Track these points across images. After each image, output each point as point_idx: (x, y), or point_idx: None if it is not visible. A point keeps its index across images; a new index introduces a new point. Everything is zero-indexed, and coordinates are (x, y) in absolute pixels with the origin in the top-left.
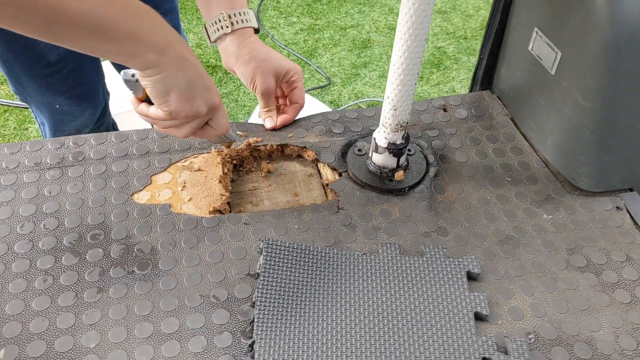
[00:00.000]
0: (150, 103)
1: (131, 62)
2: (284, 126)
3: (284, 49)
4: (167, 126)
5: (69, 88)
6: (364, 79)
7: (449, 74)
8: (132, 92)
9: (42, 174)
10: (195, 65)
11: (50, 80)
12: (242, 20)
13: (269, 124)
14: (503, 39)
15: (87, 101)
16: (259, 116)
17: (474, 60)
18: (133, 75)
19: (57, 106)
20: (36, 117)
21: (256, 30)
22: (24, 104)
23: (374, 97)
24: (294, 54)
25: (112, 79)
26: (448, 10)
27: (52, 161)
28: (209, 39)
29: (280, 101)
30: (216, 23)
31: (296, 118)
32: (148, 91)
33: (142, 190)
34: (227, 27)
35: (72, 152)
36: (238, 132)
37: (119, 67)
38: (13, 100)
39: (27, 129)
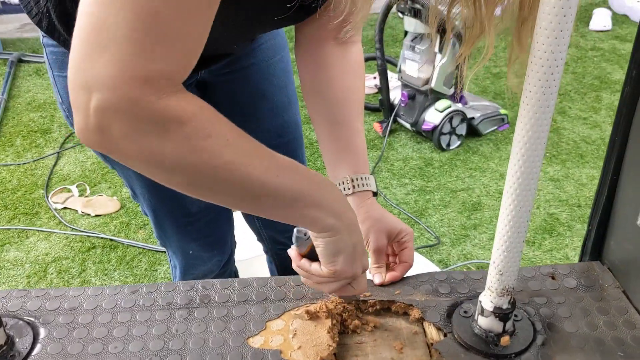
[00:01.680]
0: (311, 259)
1: (313, 226)
2: (392, 283)
3: (395, 207)
4: (322, 282)
5: (203, 236)
6: (473, 240)
7: (562, 241)
8: (297, 246)
9: (172, 313)
10: (360, 231)
11: (189, 229)
12: (363, 184)
13: (377, 280)
14: (611, 212)
15: (217, 248)
16: (369, 271)
17: None
18: (305, 234)
19: (191, 252)
20: (170, 260)
21: (374, 194)
22: (157, 247)
23: (483, 259)
24: (405, 213)
25: (240, 229)
26: (561, 178)
27: (182, 302)
28: None
29: (391, 259)
30: (340, 184)
31: (404, 276)
32: (319, 250)
33: (257, 334)
34: (349, 189)
35: (200, 295)
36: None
37: (248, 217)
38: (147, 244)
39: (156, 270)
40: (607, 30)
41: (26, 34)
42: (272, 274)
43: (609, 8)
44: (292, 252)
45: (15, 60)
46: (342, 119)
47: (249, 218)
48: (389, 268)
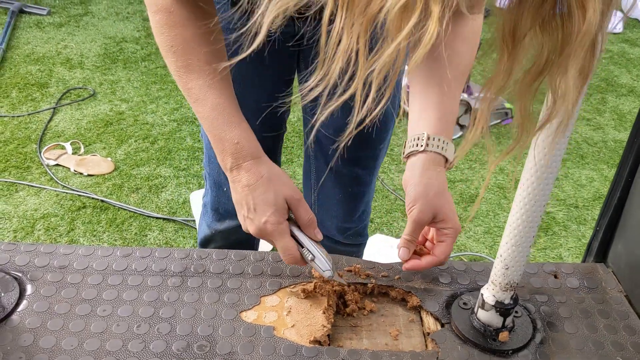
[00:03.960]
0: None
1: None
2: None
3: (391, 192)
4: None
5: None
6: (468, 232)
7: (557, 240)
8: None
9: (165, 280)
10: (242, 191)
11: None
12: (438, 146)
13: (402, 254)
14: (622, 215)
15: None
16: (397, 247)
17: (584, 229)
18: None
19: (225, 189)
20: (205, 195)
21: (446, 161)
22: (148, 212)
23: (477, 252)
24: (401, 199)
25: None
26: (560, 177)
27: (176, 269)
28: (404, 152)
29: (422, 241)
30: (415, 140)
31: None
32: None
33: (250, 309)
34: (422, 146)
35: (195, 264)
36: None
37: (306, 195)
38: (139, 208)
39: (146, 235)
40: (618, 33)
41: None
42: None
43: (622, 10)
44: None
45: (17, 10)
46: (437, 79)
47: (307, 197)
48: (416, 253)
